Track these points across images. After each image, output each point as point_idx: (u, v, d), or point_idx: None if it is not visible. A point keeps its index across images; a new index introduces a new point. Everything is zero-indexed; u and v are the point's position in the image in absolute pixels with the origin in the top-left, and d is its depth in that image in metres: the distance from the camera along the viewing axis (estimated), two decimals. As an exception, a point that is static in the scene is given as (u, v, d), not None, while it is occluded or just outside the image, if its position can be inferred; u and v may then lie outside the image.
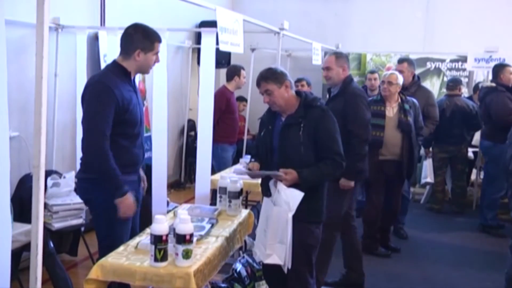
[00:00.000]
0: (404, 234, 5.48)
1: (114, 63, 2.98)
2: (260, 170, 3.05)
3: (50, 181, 4.11)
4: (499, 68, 5.76)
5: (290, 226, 2.74)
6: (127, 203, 2.86)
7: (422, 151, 6.59)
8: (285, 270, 2.84)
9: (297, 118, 2.95)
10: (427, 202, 6.82)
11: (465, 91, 7.64)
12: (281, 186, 2.81)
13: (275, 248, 2.80)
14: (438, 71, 7.85)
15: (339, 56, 3.90)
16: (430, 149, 6.46)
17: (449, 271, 4.64)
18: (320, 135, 2.92)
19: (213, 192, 4.24)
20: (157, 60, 3.01)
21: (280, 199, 2.79)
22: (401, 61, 5.49)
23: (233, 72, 5.74)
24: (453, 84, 6.39)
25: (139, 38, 2.90)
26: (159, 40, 2.98)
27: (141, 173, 3.33)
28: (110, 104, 2.79)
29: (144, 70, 3.02)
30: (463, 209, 6.49)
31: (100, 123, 2.77)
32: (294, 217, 2.86)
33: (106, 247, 2.86)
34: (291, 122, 2.97)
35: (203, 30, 4.38)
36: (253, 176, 3.23)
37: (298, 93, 3.06)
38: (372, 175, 4.69)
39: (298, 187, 2.82)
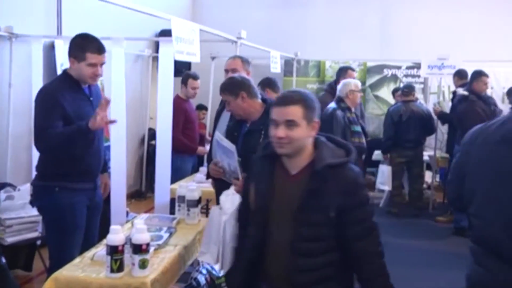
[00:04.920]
0: None
1: (64, 72, 3.03)
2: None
3: (3, 194, 4.01)
4: (475, 76, 5.80)
5: (222, 229, 2.73)
6: (96, 122, 2.78)
7: (380, 156, 6.77)
8: (220, 270, 2.88)
9: (258, 125, 3.02)
10: (386, 206, 6.97)
11: (420, 97, 7.87)
12: (230, 189, 2.83)
13: (209, 248, 2.82)
14: (394, 78, 8.05)
15: (246, 61, 3.98)
16: (388, 154, 6.61)
17: (406, 272, 4.73)
18: None
19: (173, 201, 4.22)
20: (96, 73, 2.93)
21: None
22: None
23: (182, 80, 5.45)
24: (408, 90, 6.58)
25: (72, 47, 2.91)
26: (94, 51, 2.89)
27: (106, 179, 3.40)
28: (54, 107, 2.82)
29: (82, 79, 2.97)
30: (421, 211, 6.65)
31: (45, 123, 2.82)
32: None
33: (57, 258, 2.85)
34: (252, 128, 3.04)
35: (160, 39, 4.39)
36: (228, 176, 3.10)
37: (264, 100, 3.12)
38: None
39: None
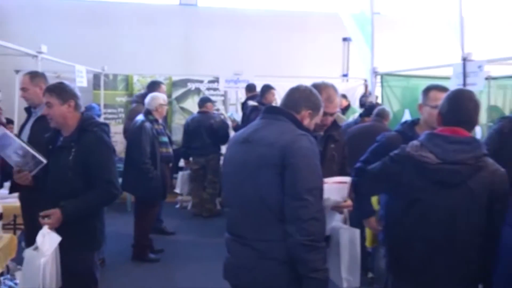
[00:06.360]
0: (168, 230, 6.39)
1: None
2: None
3: None
4: (265, 89, 6.74)
5: (41, 273, 2.57)
6: None
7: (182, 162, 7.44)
8: None
9: (69, 141, 2.92)
10: (192, 209, 7.59)
11: (222, 109, 8.74)
12: (45, 228, 2.71)
13: None
14: (198, 91, 8.78)
15: (35, 76, 3.89)
16: (190, 159, 7.35)
17: (211, 266, 5.33)
18: (91, 162, 2.88)
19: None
20: None
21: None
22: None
23: None
24: (201, 103, 7.42)
25: None
26: None
27: None
28: None
29: None
30: (212, 213, 7.30)
31: None
32: (66, 243, 2.75)
33: None
34: (63, 145, 2.94)
35: None
36: None
37: (81, 114, 3.03)
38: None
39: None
